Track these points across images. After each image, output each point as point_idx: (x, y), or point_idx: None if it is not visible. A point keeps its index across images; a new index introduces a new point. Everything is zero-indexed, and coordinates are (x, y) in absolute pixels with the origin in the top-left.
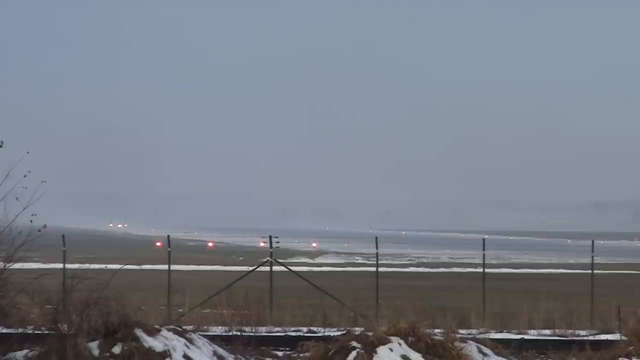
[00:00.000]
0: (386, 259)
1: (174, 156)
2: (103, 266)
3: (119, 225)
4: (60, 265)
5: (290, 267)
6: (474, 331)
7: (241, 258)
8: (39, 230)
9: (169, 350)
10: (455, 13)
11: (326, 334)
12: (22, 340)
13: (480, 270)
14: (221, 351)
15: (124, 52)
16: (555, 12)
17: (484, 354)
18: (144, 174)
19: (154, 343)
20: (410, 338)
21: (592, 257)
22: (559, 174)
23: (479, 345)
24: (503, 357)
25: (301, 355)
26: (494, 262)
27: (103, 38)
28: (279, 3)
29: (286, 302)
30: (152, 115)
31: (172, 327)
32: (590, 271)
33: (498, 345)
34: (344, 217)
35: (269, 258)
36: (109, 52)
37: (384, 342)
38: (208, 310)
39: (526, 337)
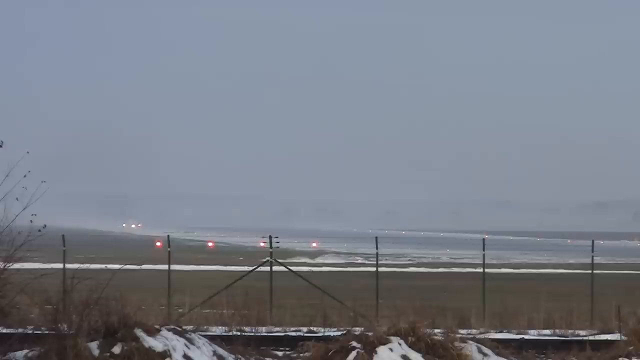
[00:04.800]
0: (386, 259)
1: (174, 157)
2: (103, 266)
3: (133, 226)
4: (60, 265)
5: (290, 267)
6: (474, 331)
7: (241, 258)
8: (39, 230)
9: (169, 350)
10: (454, 14)
11: (326, 334)
12: (22, 340)
13: (480, 270)
14: (221, 351)
15: (118, 51)
16: (554, 12)
17: (484, 354)
18: (144, 175)
19: (154, 343)
20: (410, 338)
21: (592, 257)
22: (559, 174)
23: (479, 345)
24: (503, 357)
25: (301, 355)
26: (494, 262)
27: (96, 38)
28: (276, 4)
29: (286, 302)
30: (150, 115)
31: (172, 327)
32: (590, 271)
33: (498, 345)
34: (345, 217)
35: (268, 258)
36: (101, 52)
37: (384, 342)
38: (208, 310)
39: (526, 337)
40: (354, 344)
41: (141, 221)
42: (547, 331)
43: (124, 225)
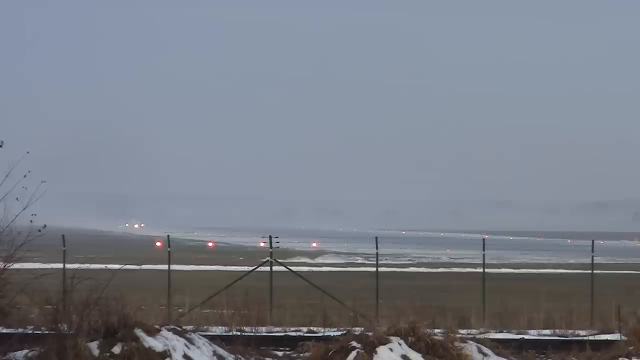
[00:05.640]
0: (386, 259)
1: (174, 157)
2: (103, 266)
3: (136, 226)
4: (60, 265)
5: (290, 267)
6: (474, 331)
7: (241, 258)
8: (39, 230)
9: (169, 350)
10: (454, 14)
11: (326, 334)
12: (22, 340)
13: (480, 270)
14: (221, 351)
15: (119, 52)
16: (554, 12)
17: (484, 354)
18: (144, 175)
19: (154, 343)
20: (410, 338)
21: (592, 257)
22: (559, 174)
23: (479, 345)
24: (503, 357)
25: (301, 355)
26: (494, 262)
27: (97, 38)
28: (276, 4)
29: (286, 302)
30: (150, 116)
31: (172, 327)
32: (590, 271)
33: (498, 345)
34: (345, 217)
35: (268, 258)
36: (101, 52)
37: (384, 342)
38: (208, 310)
39: (526, 337)
40: (354, 344)
41: (144, 221)
42: (547, 331)
43: (126, 225)
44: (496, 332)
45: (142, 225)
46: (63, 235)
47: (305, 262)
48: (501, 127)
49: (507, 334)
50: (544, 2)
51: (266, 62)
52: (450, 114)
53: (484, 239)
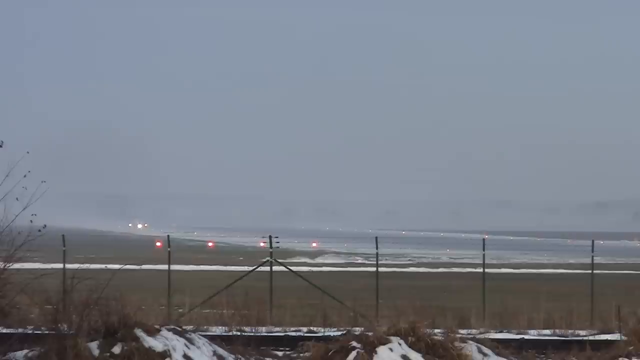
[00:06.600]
0: (386, 259)
1: (174, 157)
2: (103, 266)
3: (139, 226)
4: (60, 265)
5: (290, 267)
6: (474, 331)
7: (241, 258)
8: (39, 230)
9: (169, 350)
10: (454, 14)
11: (326, 334)
12: (22, 340)
13: (480, 270)
14: (221, 351)
15: (119, 52)
16: (554, 12)
17: (484, 354)
18: (144, 175)
19: (154, 343)
20: (410, 338)
21: (592, 257)
22: (559, 174)
23: (479, 345)
24: (503, 357)
25: (301, 355)
26: (494, 262)
27: (96, 38)
28: (276, 4)
29: (286, 302)
30: (150, 116)
31: (172, 327)
32: (590, 271)
33: (498, 345)
34: (345, 217)
35: (268, 258)
36: (101, 52)
37: (384, 342)
38: (208, 310)
39: (526, 337)
40: (354, 344)
41: (146, 221)
42: (547, 331)
43: (129, 225)
44: (496, 332)
45: (146, 225)
46: (63, 235)
47: (305, 262)
48: (501, 127)
49: (507, 334)
50: (544, 2)
51: (266, 62)
52: (450, 114)
53: (484, 239)
